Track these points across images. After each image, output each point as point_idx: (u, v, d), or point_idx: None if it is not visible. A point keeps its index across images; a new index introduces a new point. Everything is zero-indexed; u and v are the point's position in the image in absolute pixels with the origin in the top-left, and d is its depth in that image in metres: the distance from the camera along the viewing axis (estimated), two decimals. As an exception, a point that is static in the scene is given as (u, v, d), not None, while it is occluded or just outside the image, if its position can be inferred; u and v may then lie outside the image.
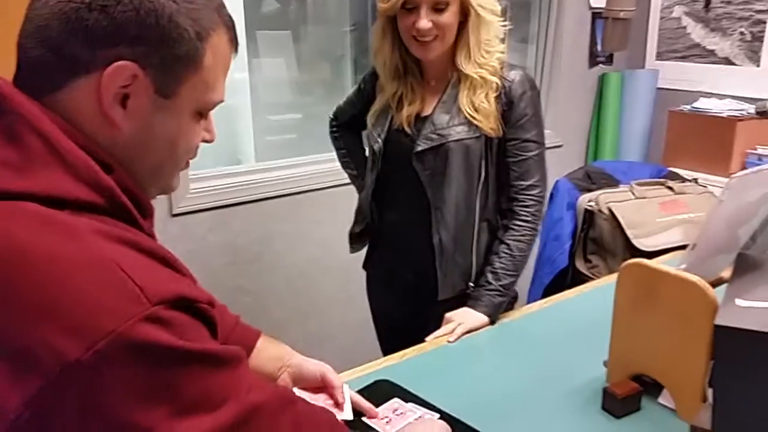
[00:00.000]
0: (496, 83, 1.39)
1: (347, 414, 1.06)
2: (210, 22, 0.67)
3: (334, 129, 1.73)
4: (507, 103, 1.40)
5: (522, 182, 1.44)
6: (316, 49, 2.86)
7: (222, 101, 0.73)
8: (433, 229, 1.45)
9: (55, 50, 0.62)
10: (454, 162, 1.40)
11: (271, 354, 1.11)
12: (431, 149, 1.41)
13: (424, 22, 1.32)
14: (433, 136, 1.41)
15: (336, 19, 2.87)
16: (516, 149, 1.43)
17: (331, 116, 1.74)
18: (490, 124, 1.39)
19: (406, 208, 1.52)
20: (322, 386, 1.10)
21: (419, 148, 1.41)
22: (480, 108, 1.39)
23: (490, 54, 1.39)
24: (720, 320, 0.93)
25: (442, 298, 1.48)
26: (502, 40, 1.42)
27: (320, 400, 1.07)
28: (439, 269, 1.47)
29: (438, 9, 1.32)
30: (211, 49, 0.67)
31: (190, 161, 0.77)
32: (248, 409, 0.64)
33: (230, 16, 0.72)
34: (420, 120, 1.45)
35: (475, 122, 1.39)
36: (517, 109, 1.40)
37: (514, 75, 1.40)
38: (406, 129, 1.45)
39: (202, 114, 0.71)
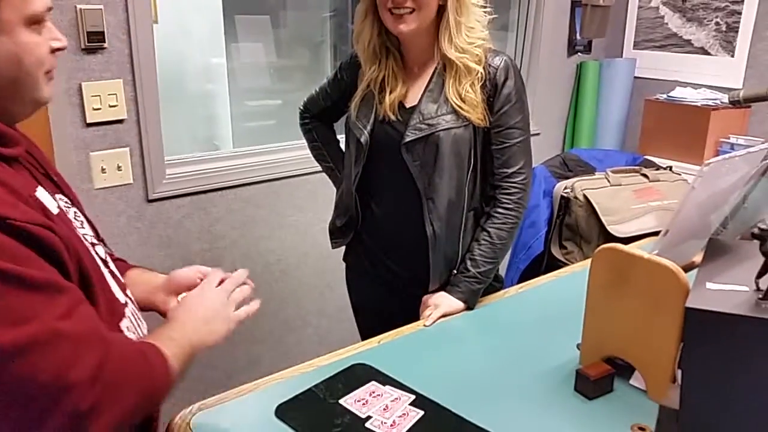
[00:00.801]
0: (481, 72, 1.38)
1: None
2: None
3: (306, 121, 1.69)
4: (491, 90, 1.39)
5: (506, 169, 1.43)
6: (296, 34, 2.84)
7: (49, 8, 0.82)
8: (425, 219, 1.43)
9: None
10: (445, 151, 1.38)
11: (141, 281, 1.12)
12: (420, 139, 1.39)
13: None
14: (422, 126, 1.39)
15: (316, 5, 2.85)
16: (500, 136, 1.42)
17: (302, 107, 1.70)
18: (477, 114, 1.38)
19: (394, 200, 1.49)
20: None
21: (408, 139, 1.39)
22: (466, 98, 1.37)
23: (472, 40, 1.37)
24: (690, 302, 0.95)
25: (432, 288, 1.48)
26: (485, 27, 1.41)
27: None
28: (432, 260, 1.45)
29: None
30: None
31: (54, 74, 0.86)
32: (50, 332, 0.70)
33: None
34: (407, 110, 1.43)
35: (463, 112, 1.38)
36: (501, 96, 1.39)
37: (498, 61, 1.39)
38: (391, 117, 1.42)
39: (33, 25, 0.80)
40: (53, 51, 0.85)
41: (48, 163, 0.97)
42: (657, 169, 2.38)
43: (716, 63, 2.83)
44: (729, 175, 1.25)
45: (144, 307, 1.11)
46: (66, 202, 0.92)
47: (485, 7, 1.41)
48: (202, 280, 1.10)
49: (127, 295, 0.98)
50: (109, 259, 0.98)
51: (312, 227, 2.39)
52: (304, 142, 1.74)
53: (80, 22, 1.72)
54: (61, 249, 0.75)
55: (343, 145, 1.61)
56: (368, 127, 1.44)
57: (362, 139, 1.44)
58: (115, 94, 1.83)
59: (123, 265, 1.15)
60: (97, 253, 0.92)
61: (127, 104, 1.86)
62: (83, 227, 0.93)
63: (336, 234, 1.64)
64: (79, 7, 1.71)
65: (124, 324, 0.91)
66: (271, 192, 2.28)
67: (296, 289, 2.45)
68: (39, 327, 0.69)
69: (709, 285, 1.03)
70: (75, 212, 0.93)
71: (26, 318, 0.69)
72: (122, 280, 1.00)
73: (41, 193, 0.83)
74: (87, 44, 1.74)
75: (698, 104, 2.68)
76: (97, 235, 0.99)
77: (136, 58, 1.83)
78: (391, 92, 1.43)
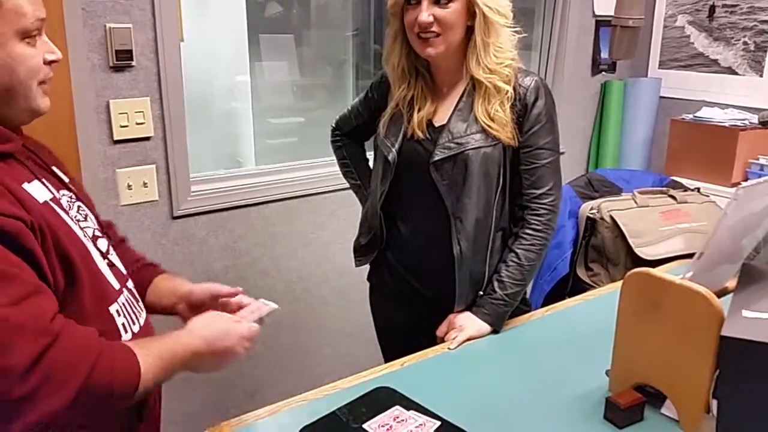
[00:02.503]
0: (510, 92, 1.37)
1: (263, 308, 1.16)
2: None
3: (337, 138, 1.70)
4: (521, 110, 1.38)
5: (534, 190, 1.41)
6: (319, 53, 2.86)
7: (40, 19, 0.88)
8: (453, 239, 1.41)
9: None
10: (474, 170, 1.37)
11: (165, 287, 1.18)
12: (449, 158, 1.38)
13: (425, 15, 1.30)
14: (451, 144, 1.38)
15: (339, 24, 2.87)
16: (529, 156, 1.40)
17: (333, 125, 1.71)
18: (506, 133, 1.37)
19: (421, 219, 1.48)
20: (215, 303, 1.17)
21: (437, 158, 1.38)
22: (495, 117, 1.36)
23: (500, 60, 1.36)
24: (727, 331, 0.92)
25: (457, 309, 1.45)
26: (515, 46, 1.40)
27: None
28: (458, 280, 1.43)
29: (440, 3, 1.31)
30: None
31: (48, 86, 0.92)
32: None
33: None
34: (435, 129, 1.42)
35: (492, 131, 1.36)
36: (531, 116, 1.38)
37: (529, 81, 1.38)
38: (420, 135, 1.42)
39: (26, 38, 0.86)
40: (48, 63, 0.91)
41: (55, 162, 1.04)
42: (684, 191, 2.34)
43: (744, 83, 2.79)
44: (761, 198, 1.22)
45: (169, 313, 1.17)
46: (70, 197, 0.99)
47: (514, 27, 1.40)
48: (216, 298, 1.16)
49: (125, 286, 1.03)
50: (112, 251, 1.04)
51: (333, 245, 2.39)
52: (326, 160, 1.75)
53: (109, 40, 1.75)
54: (25, 236, 0.79)
55: (372, 164, 1.61)
56: (396, 145, 1.44)
57: (390, 157, 1.44)
58: (143, 111, 1.85)
59: (152, 269, 1.21)
60: (96, 245, 0.98)
61: (154, 122, 1.88)
62: (86, 220, 0.99)
63: (360, 252, 1.64)
64: (108, 25, 1.74)
65: (114, 308, 0.96)
66: (293, 210, 2.28)
67: (317, 308, 2.44)
68: None
69: (746, 313, 1.00)
70: (79, 206, 1.00)
71: None
72: (123, 272, 1.05)
73: (32, 186, 0.89)
74: (115, 62, 1.77)
75: (726, 125, 2.63)
76: (102, 229, 1.04)
77: (164, 77, 1.86)
78: (419, 111, 1.43)
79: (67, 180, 1.04)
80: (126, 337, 0.98)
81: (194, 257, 2.07)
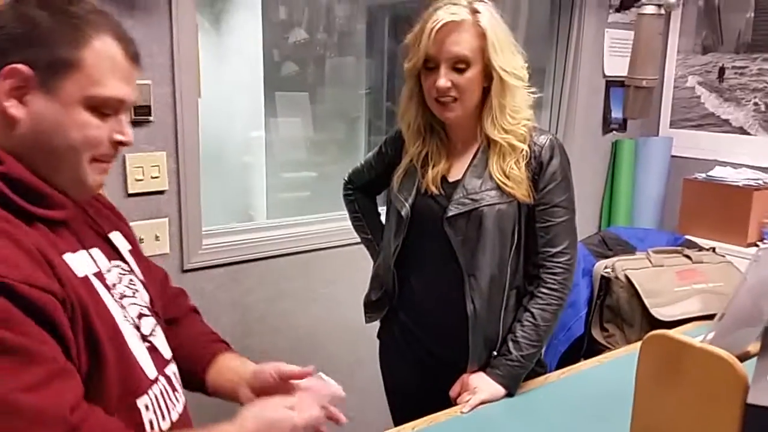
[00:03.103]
0: (525, 150, 1.37)
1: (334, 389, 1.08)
2: (91, 31, 0.81)
3: (349, 192, 1.71)
4: (536, 168, 1.38)
5: (550, 249, 1.39)
6: (332, 110, 2.92)
7: (117, 98, 0.83)
8: (466, 297, 1.39)
9: None
10: (488, 227, 1.36)
11: (227, 367, 1.09)
12: (463, 214, 1.37)
13: (443, 81, 1.31)
14: (466, 200, 1.37)
15: (352, 83, 2.94)
16: (545, 215, 1.39)
17: (346, 179, 1.72)
18: (522, 190, 1.36)
19: (433, 275, 1.46)
20: (285, 385, 1.06)
21: (451, 213, 1.38)
22: (510, 175, 1.36)
23: (516, 120, 1.37)
24: (752, 399, 0.89)
25: (470, 369, 1.42)
26: (531, 107, 1.41)
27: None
28: (471, 339, 1.40)
29: (458, 69, 1.32)
30: (93, 52, 0.80)
31: (108, 165, 0.88)
32: (6, 403, 0.67)
33: (123, 32, 0.86)
34: (450, 184, 1.42)
35: (507, 189, 1.36)
36: (546, 174, 1.38)
37: (544, 140, 1.39)
38: (434, 191, 1.41)
39: (99, 110, 0.82)
40: (114, 143, 0.86)
41: (120, 226, 0.99)
42: (699, 250, 2.30)
43: (755, 143, 2.79)
44: (781, 259, 1.19)
45: (229, 398, 1.07)
46: (121, 271, 0.93)
47: (530, 87, 1.41)
48: (285, 380, 1.06)
49: (163, 373, 0.94)
50: (158, 332, 0.95)
51: (343, 301, 2.36)
52: (337, 214, 1.74)
53: (129, 96, 1.78)
54: (54, 310, 0.74)
55: (383, 218, 1.61)
56: (410, 200, 1.43)
57: (403, 212, 1.43)
58: (158, 165, 1.87)
59: (216, 347, 1.12)
60: (138, 326, 0.90)
61: (168, 175, 1.90)
62: (134, 296, 0.92)
63: (370, 308, 1.61)
64: (129, 82, 1.78)
65: (142, 401, 0.87)
66: (304, 264, 2.27)
67: (325, 364, 2.37)
68: None
69: (771, 379, 0.96)
70: (130, 280, 0.93)
71: None
72: (166, 356, 0.96)
73: (75, 257, 0.83)
74: (134, 117, 1.80)
75: (739, 184, 2.63)
76: (151, 307, 0.97)
77: (181, 131, 1.88)
78: (434, 167, 1.43)
79: (128, 248, 0.98)
80: None
81: (203, 312, 2.05)
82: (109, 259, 0.91)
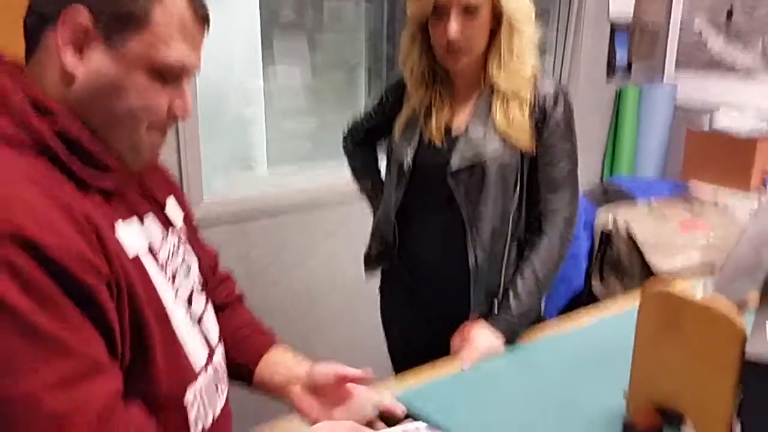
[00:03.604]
0: (529, 97, 1.34)
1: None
2: None
3: (349, 144, 1.68)
4: (540, 116, 1.35)
5: (552, 200, 1.38)
6: (332, 56, 2.85)
7: (183, 64, 0.76)
8: (468, 248, 1.39)
9: (34, 13, 0.73)
10: (491, 179, 1.34)
11: (280, 364, 1.03)
12: (467, 166, 1.36)
13: (455, 30, 1.26)
14: (469, 153, 1.35)
15: (352, 28, 2.86)
16: (547, 165, 1.37)
17: (345, 131, 1.68)
18: (525, 139, 1.34)
19: (435, 227, 1.45)
20: (341, 389, 1.00)
21: (454, 166, 1.36)
22: (514, 123, 1.34)
23: (523, 64, 1.33)
24: (750, 353, 0.90)
25: (472, 319, 1.43)
26: (536, 51, 1.37)
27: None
28: (473, 291, 1.41)
29: (469, 12, 1.26)
30: (162, 9, 0.73)
31: (164, 135, 0.80)
32: (27, 401, 0.59)
33: None
34: (452, 135, 1.40)
35: (510, 138, 1.34)
36: (550, 123, 1.35)
37: (548, 87, 1.36)
38: (437, 143, 1.39)
39: (162, 75, 0.74)
40: (171, 114, 0.78)
41: (174, 192, 0.92)
42: (701, 202, 2.30)
43: (762, 86, 2.74)
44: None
45: (276, 394, 1.02)
46: (175, 244, 0.85)
47: (536, 30, 1.35)
48: (341, 382, 0.99)
49: (211, 360, 0.87)
50: (209, 313, 0.89)
51: (343, 255, 2.37)
52: (338, 164, 1.72)
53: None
54: (101, 295, 0.66)
55: (383, 170, 1.59)
56: (411, 152, 1.41)
57: (405, 165, 1.41)
58: (155, 118, 1.84)
59: (265, 339, 1.07)
60: (190, 307, 0.83)
61: (166, 128, 1.87)
62: (187, 276, 0.85)
63: (371, 262, 1.62)
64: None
65: (189, 395, 0.80)
66: (304, 218, 2.27)
67: (325, 319, 2.43)
68: (17, 389, 0.59)
69: (770, 334, 0.97)
70: (184, 253, 0.86)
71: (10, 370, 0.59)
72: (214, 341, 0.89)
73: (127, 230, 0.76)
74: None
75: (743, 134, 2.60)
76: (203, 284, 0.90)
77: (177, 82, 1.84)
78: (437, 117, 1.40)
79: (181, 216, 0.91)
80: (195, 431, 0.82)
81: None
82: (163, 230, 0.84)
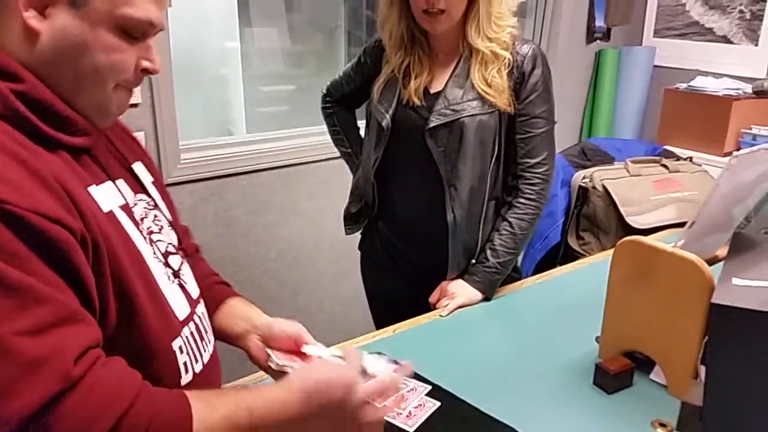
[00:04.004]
0: (508, 58, 1.35)
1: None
2: None
3: (328, 105, 1.67)
4: (518, 77, 1.36)
5: (529, 159, 1.40)
6: (310, 19, 2.81)
7: (148, 20, 0.74)
8: (447, 207, 1.41)
9: None
10: (469, 138, 1.36)
11: (239, 314, 1.03)
12: (445, 125, 1.36)
13: None
14: (447, 111, 1.36)
15: (330, -11, 2.81)
16: (525, 125, 1.39)
17: (324, 91, 1.67)
18: (503, 99, 1.35)
19: (414, 186, 1.47)
20: (299, 353, 0.98)
21: (432, 124, 1.37)
22: (492, 83, 1.35)
23: (501, 28, 1.34)
24: (717, 299, 0.93)
25: (450, 277, 1.46)
26: (515, 14, 1.38)
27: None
28: (451, 248, 1.43)
29: None
30: None
31: (130, 94, 0.79)
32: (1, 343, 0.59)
33: None
34: (431, 95, 1.40)
35: (489, 98, 1.35)
36: (528, 84, 1.37)
37: (526, 49, 1.37)
38: (416, 102, 1.40)
39: (127, 32, 0.74)
40: (141, 70, 0.78)
41: (142, 158, 0.92)
42: (677, 160, 2.34)
43: (739, 52, 2.77)
44: (754, 167, 1.22)
45: (234, 343, 1.01)
46: (148, 204, 0.86)
47: None
48: (298, 346, 0.97)
49: (195, 312, 0.88)
50: (186, 269, 0.90)
51: (326, 214, 2.38)
52: (317, 128, 1.72)
53: (95, 4, 1.70)
54: (70, 249, 0.65)
55: (363, 132, 1.59)
56: (390, 111, 1.41)
57: (383, 123, 1.42)
58: (130, 77, 1.81)
59: (227, 289, 1.07)
60: (168, 263, 0.85)
61: (141, 88, 1.84)
62: (161, 233, 0.86)
63: (350, 220, 1.63)
64: (94, -12, 1.69)
65: (177, 343, 0.81)
66: (285, 178, 2.27)
67: (309, 276, 2.45)
68: None
69: (735, 281, 1.00)
70: (155, 215, 0.87)
71: None
72: (194, 294, 0.90)
73: (100, 189, 0.76)
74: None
75: (719, 94, 2.63)
76: (179, 243, 0.91)
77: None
78: (416, 78, 1.40)
79: (151, 180, 0.91)
80: (186, 378, 0.83)
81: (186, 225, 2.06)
82: (135, 192, 0.84)
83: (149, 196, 0.88)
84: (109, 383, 0.65)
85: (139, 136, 1.87)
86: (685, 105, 2.72)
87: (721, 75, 2.78)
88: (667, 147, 2.56)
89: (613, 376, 1.10)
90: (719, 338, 0.95)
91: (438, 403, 1.05)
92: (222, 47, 2.53)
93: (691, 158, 2.39)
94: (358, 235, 1.67)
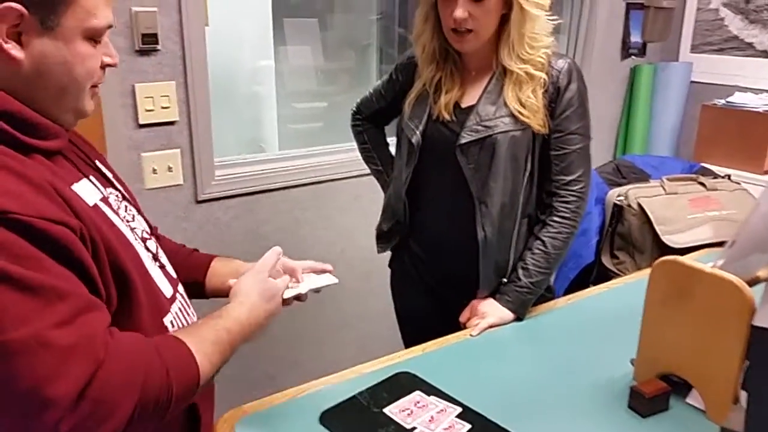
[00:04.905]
0: (543, 78, 1.33)
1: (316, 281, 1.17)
2: None
3: (358, 123, 1.68)
4: (553, 93, 1.34)
5: (564, 177, 1.38)
6: (343, 37, 2.85)
7: (110, 26, 0.84)
8: (477, 224, 1.39)
9: None
10: (501, 154, 1.34)
11: (226, 272, 1.14)
12: (476, 141, 1.35)
13: (460, 12, 1.27)
14: (479, 127, 1.35)
15: (363, 8, 2.85)
16: (560, 142, 1.37)
17: (354, 109, 1.68)
18: (537, 120, 1.33)
19: (445, 204, 1.46)
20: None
21: (464, 140, 1.35)
22: (527, 104, 1.33)
23: (535, 49, 1.32)
24: (758, 321, 0.90)
25: (480, 296, 1.44)
26: (551, 34, 1.35)
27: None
28: (482, 266, 1.41)
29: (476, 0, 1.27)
30: None
31: (98, 88, 0.88)
32: (36, 341, 0.67)
33: None
34: (462, 110, 1.39)
35: (522, 118, 1.33)
36: (563, 100, 1.34)
37: (562, 64, 1.34)
38: (446, 117, 1.39)
39: (94, 39, 0.82)
40: (103, 66, 0.87)
41: (99, 156, 0.99)
42: (714, 178, 2.28)
43: (780, 67, 2.70)
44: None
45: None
46: (117, 196, 0.94)
47: (551, 15, 1.34)
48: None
49: (177, 291, 0.98)
50: (161, 253, 0.98)
51: (355, 230, 2.39)
52: (349, 144, 1.73)
53: (134, 23, 1.75)
54: (73, 245, 0.72)
55: (393, 149, 1.59)
56: (420, 128, 1.41)
57: (414, 140, 1.41)
58: (168, 95, 1.85)
59: (202, 256, 1.18)
60: (147, 248, 0.92)
61: (178, 106, 1.89)
62: (134, 221, 0.94)
63: (382, 238, 1.63)
64: (134, 9, 1.74)
65: (168, 319, 0.91)
66: (316, 195, 2.28)
67: (338, 293, 2.43)
68: (25, 333, 0.66)
69: (778, 302, 0.97)
70: (126, 206, 0.94)
71: (15, 322, 0.66)
72: (174, 275, 1.00)
73: (81, 186, 0.84)
74: (141, 46, 1.77)
75: (759, 110, 2.56)
76: (151, 230, 0.99)
77: (189, 61, 1.86)
78: (447, 92, 1.40)
79: (111, 175, 0.99)
80: None
81: (218, 242, 2.09)
82: (105, 186, 0.92)
83: (116, 189, 0.96)
84: (128, 345, 0.76)
85: (175, 152, 1.92)
86: (723, 121, 2.66)
87: (762, 90, 2.71)
88: (704, 164, 2.50)
89: (649, 399, 1.07)
90: (761, 362, 0.92)
91: (468, 425, 1.03)
92: (256, 66, 2.57)
93: (729, 176, 2.33)
94: (387, 253, 1.66)
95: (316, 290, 1.16)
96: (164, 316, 0.90)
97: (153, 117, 1.85)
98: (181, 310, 0.96)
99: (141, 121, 1.83)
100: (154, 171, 1.90)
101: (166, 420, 0.79)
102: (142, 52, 1.79)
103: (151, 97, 1.83)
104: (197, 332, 0.85)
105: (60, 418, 0.67)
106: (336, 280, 1.18)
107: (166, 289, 0.93)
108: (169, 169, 1.92)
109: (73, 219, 0.74)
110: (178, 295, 0.98)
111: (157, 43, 1.80)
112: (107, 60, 0.87)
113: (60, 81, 0.80)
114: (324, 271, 1.19)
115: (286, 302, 1.08)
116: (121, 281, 0.81)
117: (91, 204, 0.82)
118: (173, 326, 0.91)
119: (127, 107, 1.81)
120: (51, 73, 0.79)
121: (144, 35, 1.76)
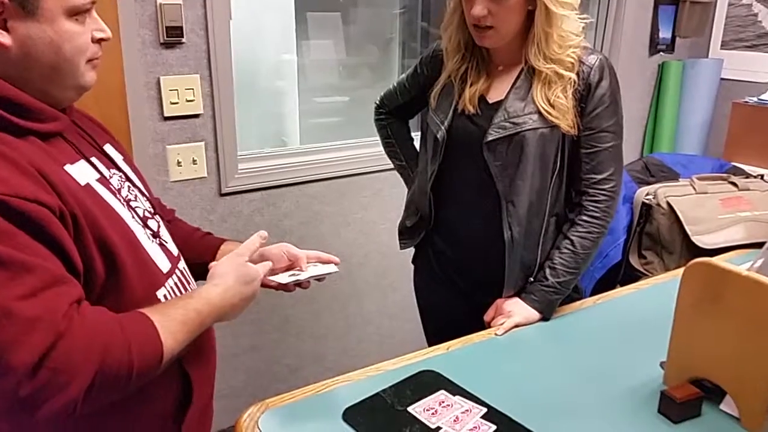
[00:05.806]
0: (573, 78, 1.29)
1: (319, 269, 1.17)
2: None
3: (381, 117, 1.65)
4: (584, 90, 1.30)
5: (594, 175, 1.34)
6: (365, 31, 2.83)
7: (93, 1, 0.86)
8: (504, 223, 1.36)
9: None
10: (530, 153, 1.31)
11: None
12: (504, 138, 1.32)
13: (478, 9, 1.24)
14: (507, 124, 1.32)
15: (386, 2, 2.82)
16: (590, 140, 1.33)
17: (378, 102, 1.65)
18: (567, 121, 1.30)
19: (470, 201, 1.43)
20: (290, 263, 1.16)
21: (491, 138, 1.32)
22: (556, 104, 1.29)
23: (563, 48, 1.28)
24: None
25: (506, 295, 1.41)
26: (580, 33, 1.31)
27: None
28: (508, 265, 1.39)
29: None
30: None
31: (98, 61, 0.91)
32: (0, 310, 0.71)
33: None
34: (489, 105, 1.36)
35: (551, 118, 1.30)
36: (594, 97, 1.31)
37: (593, 60, 1.31)
38: (470, 110, 1.36)
39: (77, 16, 0.84)
40: (97, 41, 0.89)
41: (110, 140, 1.02)
42: (746, 177, 2.23)
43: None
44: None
45: None
46: (120, 177, 0.98)
47: (580, 14, 1.30)
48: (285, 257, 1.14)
49: (176, 267, 1.01)
50: (164, 231, 1.02)
51: (377, 225, 2.37)
52: (371, 139, 1.71)
53: (160, 16, 1.75)
54: (49, 223, 0.76)
55: (417, 143, 1.57)
56: (446, 123, 1.38)
57: (439, 135, 1.39)
58: (192, 88, 1.86)
59: (216, 238, 1.21)
60: (147, 226, 0.96)
61: (203, 99, 1.89)
62: (136, 200, 0.98)
63: (405, 234, 1.61)
64: (159, 2, 1.74)
65: (161, 293, 0.94)
66: (338, 189, 2.27)
67: (359, 288, 2.44)
68: None
69: (819, 308, 0.94)
70: (129, 187, 0.98)
71: None
72: (175, 252, 1.03)
73: (76, 167, 0.87)
74: (166, 38, 1.77)
75: (793, 108, 2.50)
76: (153, 209, 1.03)
77: (213, 54, 1.86)
78: (472, 85, 1.37)
79: (121, 158, 1.02)
80: None
81: (240, 234, 2.09)
82: (109, 168, 0.95)
83: (121, 171, 0.99)
84: (91, 326, 0.78)
85: (200, 145, 1.92)
86: (754, 119, 2.59)
87: (794, 88, 2.65)
88: (734, 163, 2.45)
89: (680, 404, 1.04)
90: (800, 370, 0.89)
91: (494, 426, 1.01)
92: (279, 60, 2.57)
93: (762, 176, 2.27)
94: (409, 249, 1.65)
95: (319, 279, 1.17)
96: (158, 289, 0.94)
97: (178, 110, 1.85)
98: (177, 285, 0.99)
99: (166, 114, 1.84)
100: (179, 163, 1.90)
101: (155, 379, 0.85)
102: (167, 45, 1.79)
103: (176, 90, 1.83)
104: (166, 310, 0.87)
105: (18, 383, 0.72)
106: (336, 269, 1.18)
107: (163, 264, 0.97)
108: (194, 161, 1.92)
109: (53, 198, 0.78)
110: (177, 271, 1.01)
111: (182, 36, 1.80)
112: (98, 35, 0.89)
113: (50, 60, 0.83)
114: (330, 262, 1.20)
115: (286, 287, 1.12)
116: (106, 254, 0.84)
117: (82, 183, 0.86)
118: (166, 299, 0.94)
119: (152, 100, 1.81)
120: (40, 54, 0.82)
121: (168, 28, 1.77)
